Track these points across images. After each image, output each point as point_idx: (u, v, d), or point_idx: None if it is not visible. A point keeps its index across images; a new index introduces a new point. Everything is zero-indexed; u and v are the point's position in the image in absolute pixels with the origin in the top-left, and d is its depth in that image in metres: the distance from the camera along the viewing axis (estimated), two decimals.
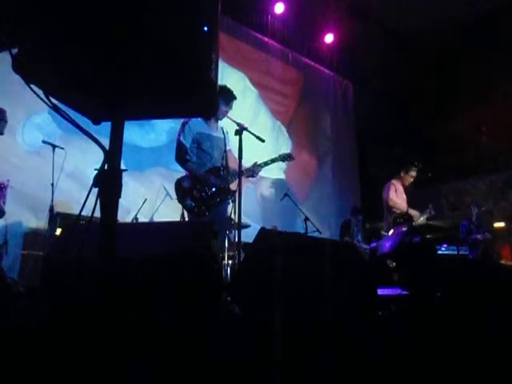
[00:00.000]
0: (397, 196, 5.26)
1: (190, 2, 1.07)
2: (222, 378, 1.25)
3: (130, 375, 1.14)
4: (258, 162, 3.63)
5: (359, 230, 6.50)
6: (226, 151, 3.68)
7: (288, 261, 1.94)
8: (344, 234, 6.39)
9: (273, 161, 3.73)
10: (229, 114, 3.54)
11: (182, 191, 3.41)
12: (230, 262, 4.11)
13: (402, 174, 5.43)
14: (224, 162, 3.61)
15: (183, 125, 3.49)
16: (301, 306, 1.84)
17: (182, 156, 3.46)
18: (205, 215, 3.39)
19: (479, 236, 6.42)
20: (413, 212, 5.14)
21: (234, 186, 3.54)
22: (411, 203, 5.39)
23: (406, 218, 5.02)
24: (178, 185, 3.45)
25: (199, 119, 3.54)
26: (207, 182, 3.40)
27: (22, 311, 1.98)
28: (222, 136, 3.67)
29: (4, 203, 3.92)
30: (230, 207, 3.74)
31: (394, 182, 5.36)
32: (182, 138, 3.46)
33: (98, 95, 1.15)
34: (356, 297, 2.09)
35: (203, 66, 1.09)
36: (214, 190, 3.42)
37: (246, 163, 3.52)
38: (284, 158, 3.82)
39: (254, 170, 3.58)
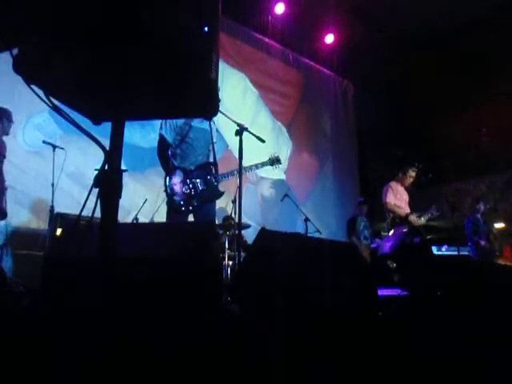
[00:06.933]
0: (396, 199, 5.20)
1: (190, 2, 1.07)
2: (223, 378, 1.25)
3: (130, 375, 1.14)
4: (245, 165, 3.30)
5: (366, 226, 6.31)
6: (213, 143, 3.41)
7: (288, 261, 1.94)
8: (350, 232, 6.32)
9: (262, 165, 3.48)
10: (229, 115, 3.52)
11: (171, 185, 3.23)
12: (230, 262, 4.12)
13: (400, 175, 5.39)
14: (212, 156, 3.38)
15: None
16: (301, 306, 1.84)
17: (163, 151, 3.29)
18: (187, 215, 3.25)
19: (482, 242, 6.39)
20: (412, 218, 5.05)
21: (223, 187, 3.35)
22: (411, 204, 5.37)
23: (406, 221, 5.00)
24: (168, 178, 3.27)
25: None
26: (193, 179, 3.19)
27: (22, 311, 1.98)
28: (208, 128, 3.42)
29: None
30: (230, 208, 3.62)
31: (392, 184, 5.30)
32: (163, 132, 3.29)
33: (98, 95, 1.15)
34: (356, 297, 2.09)
35: (203, 66, 1.09)
36: (200, 188, 3.22)
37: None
38: (273, 161, 3.55)
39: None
